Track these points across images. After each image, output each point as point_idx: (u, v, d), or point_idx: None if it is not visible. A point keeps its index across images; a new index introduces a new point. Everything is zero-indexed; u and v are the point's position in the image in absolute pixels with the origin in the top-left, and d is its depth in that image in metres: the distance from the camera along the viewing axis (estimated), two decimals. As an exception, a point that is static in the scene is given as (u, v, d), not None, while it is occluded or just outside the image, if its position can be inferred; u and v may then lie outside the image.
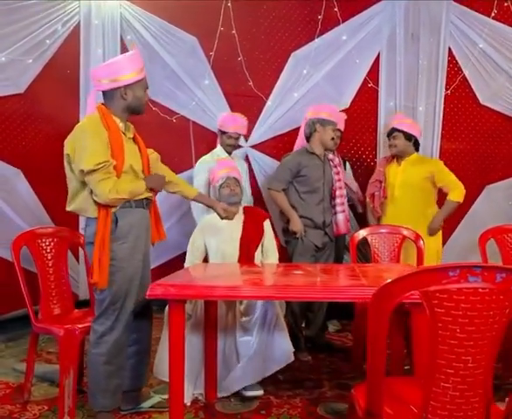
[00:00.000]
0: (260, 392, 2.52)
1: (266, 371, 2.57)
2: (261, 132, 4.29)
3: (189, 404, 2.52)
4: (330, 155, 3.41)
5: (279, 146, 4.33)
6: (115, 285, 2.13)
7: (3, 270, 3.65)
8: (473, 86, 4.05)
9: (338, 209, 3.33)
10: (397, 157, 3.53)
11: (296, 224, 3.18)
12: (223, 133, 3.55)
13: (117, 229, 2.12)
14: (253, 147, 4.29)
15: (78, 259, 4.09)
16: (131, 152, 2.19)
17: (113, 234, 2.11)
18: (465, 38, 4.02)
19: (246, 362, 2.50)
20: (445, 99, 4.06)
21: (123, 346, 2.21)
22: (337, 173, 3.36)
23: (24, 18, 3.77)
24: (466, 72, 4.03)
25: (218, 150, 3.60)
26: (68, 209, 2.21)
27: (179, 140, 4.37)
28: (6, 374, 2.94)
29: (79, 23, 4.22)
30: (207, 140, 4.43)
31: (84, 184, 2.11)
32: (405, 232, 3.30)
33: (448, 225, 4.05)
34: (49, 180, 4.01)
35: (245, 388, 2.50)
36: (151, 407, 2.47)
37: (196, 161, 4.38)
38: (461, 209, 4.07)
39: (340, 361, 3.21)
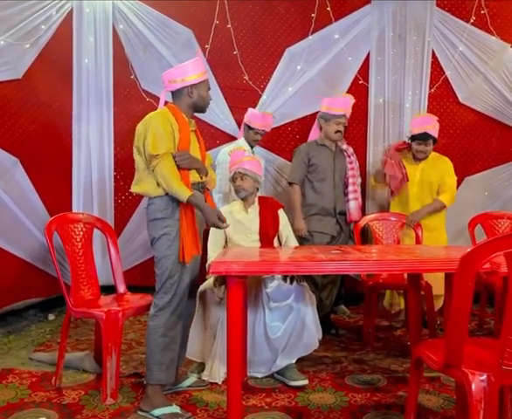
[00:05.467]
0: (305, 381, 2.58)
1: (296, 354, 2.68)
2: (256, 125, 4.39)
3: (220, 383, 2.61)
4: (344, 146, 3.57)
5: (273, 139, 4.46)
6: (171, 258, 2.24)
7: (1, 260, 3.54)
8: (453, 86, 4.38)
9: (351, 196, 3.48)
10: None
11: (300, 223, 3.33)
12: (250, 128, 3.72)
13: (173, 206, 2.25)
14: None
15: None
16: (193, 144, 2.37)
17: (168, 210, 2.25)
18: (446, 41, 4.34)
19: (284, 348, 2.63)
20: (428, 96, 4.37)
21: (178, 320, 2.30)
22: (350, 162, 3.52)
23: (19, 2, 3.66)
24: (447, 73, 4.36)
25: (241, 142, 3.73)
26: (132, 189, 2.35)
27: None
28: (24, 364, 2.89)
29: (72, 9, 4.15)
30: (202, 131, 4.47)
31: (148, 167, 2.24)
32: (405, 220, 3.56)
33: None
34: (43, 169, 3.94)
35: (289, 378, 2.59)
36: (189, 386, 2.54)
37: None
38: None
39: (347, 340, 3.41)
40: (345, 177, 3.52)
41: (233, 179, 2.99)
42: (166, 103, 2.42)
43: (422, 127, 3.55)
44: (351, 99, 3.56)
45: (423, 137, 3.54)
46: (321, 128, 3.53)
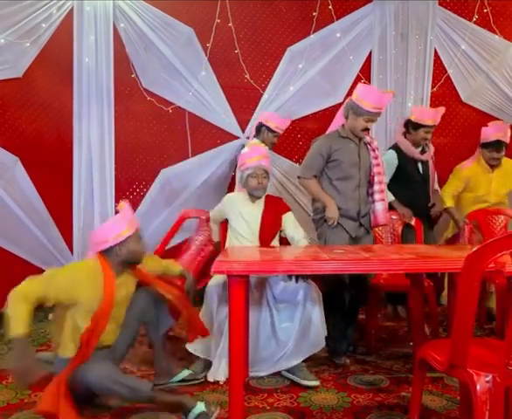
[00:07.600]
0: (317, 382, 2.57)
1: (304, 353, 2.65)
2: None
3: (222, 382, 2.59)
4: (368, 138, 3.04)
5: (275, 138, 4.45)
6: None
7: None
8: (455, 85, 4.38)
9: (377, 197, 2.98)
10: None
11: (332, 211, 2.87)
12: (271, 130, 3.74)
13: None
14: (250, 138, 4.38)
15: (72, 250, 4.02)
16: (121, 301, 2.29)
17: None
18: (449, 40, 4.34)
19: (291, 348, 2.62)
20: (431, 96, 4.37)
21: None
22: (376, 157, 3.00)
23: (20, 0, 3.65)
24: (450, 72, 4.35)
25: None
26: None
27: (175, 131, 4.38)
28: (24, 364, 2.86)
29: (72, 8, 4.13)
30: (203, 131, 4.48)
31: None
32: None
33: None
34: (44, 168, 3.93)
35: (302, 377, 2.58)
36: (181, 380, 2.54)
37: (191, 153, 4.44)
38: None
39: (349, 340, 3.39)
40: (370, 175, 3.01)
41: (252, 175, 2.89)
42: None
43: (495, 134, 3.62)
44: (391, 98, 3.06)
45: (496, 144, 3.61)
46: (346, 118, 2.98)
